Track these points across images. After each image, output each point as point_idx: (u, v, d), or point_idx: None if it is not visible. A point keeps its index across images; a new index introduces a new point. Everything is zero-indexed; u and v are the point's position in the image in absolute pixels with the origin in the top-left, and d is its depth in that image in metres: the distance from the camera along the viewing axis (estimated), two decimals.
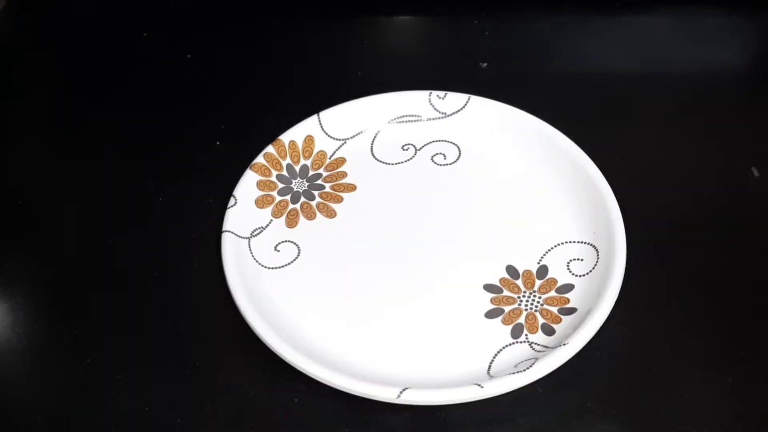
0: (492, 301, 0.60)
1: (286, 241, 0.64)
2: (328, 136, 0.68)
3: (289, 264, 0.62)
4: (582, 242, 0.62)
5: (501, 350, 0.58)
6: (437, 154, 0.68)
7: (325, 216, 0.65)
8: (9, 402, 0.57)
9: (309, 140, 0.68)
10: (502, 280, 0.61)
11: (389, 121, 0.69)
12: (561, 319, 0.58)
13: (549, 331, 0.58)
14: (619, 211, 0.62)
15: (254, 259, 0.62)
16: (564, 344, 0.55)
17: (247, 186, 0.65)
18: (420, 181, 0.67)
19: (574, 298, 0.59)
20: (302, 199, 0.66)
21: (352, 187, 0.67)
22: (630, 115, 0.72)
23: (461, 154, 0.68)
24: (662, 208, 0.65)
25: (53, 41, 0.79)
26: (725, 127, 0.71)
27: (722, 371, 0.57)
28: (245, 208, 0.64)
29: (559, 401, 0.56)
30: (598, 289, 0.58)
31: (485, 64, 0.76)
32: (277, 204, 0.65)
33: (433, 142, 0.69)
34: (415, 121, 0.70)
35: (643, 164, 0.68)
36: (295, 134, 0.68)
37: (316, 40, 0.79)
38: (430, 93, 0.69)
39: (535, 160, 0.66)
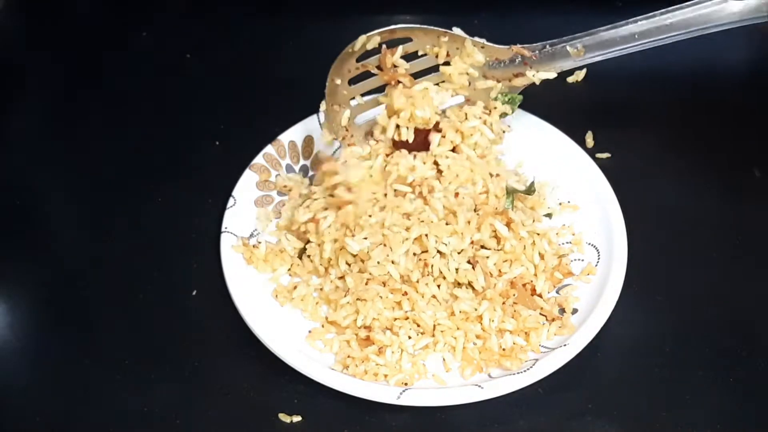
0: None
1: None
2: None
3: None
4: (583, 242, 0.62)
5: None
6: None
7: None
8: (9, 402, 0.57)
9: (309, 140, 0.68)
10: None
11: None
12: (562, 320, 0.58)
13: None
14: (620, 212, 0.62)
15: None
16: (565, 345, 0.55)
17: (247, 186, 0.64)
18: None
19: (574, 299, 0.59)
20: None
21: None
22: (631, 115, 0.72)
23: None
24: (663, 208, 0.65)
25: (53, 41, 0.79)
26: (727, 128, 0.71)
27: (722, 371, 0.57)
28: (244, 209, 0.64)
29: (559, 402, 0.56)
30: (598, 290, 0.58)
31: None
32: (276, 204, 0.65)
33: None
34: None
35: (644, 164, 0.68)
36: (294, 134, 0.67)
37: (316, 40, 0.78)
38: None
39: (535, 160, 0.66)
